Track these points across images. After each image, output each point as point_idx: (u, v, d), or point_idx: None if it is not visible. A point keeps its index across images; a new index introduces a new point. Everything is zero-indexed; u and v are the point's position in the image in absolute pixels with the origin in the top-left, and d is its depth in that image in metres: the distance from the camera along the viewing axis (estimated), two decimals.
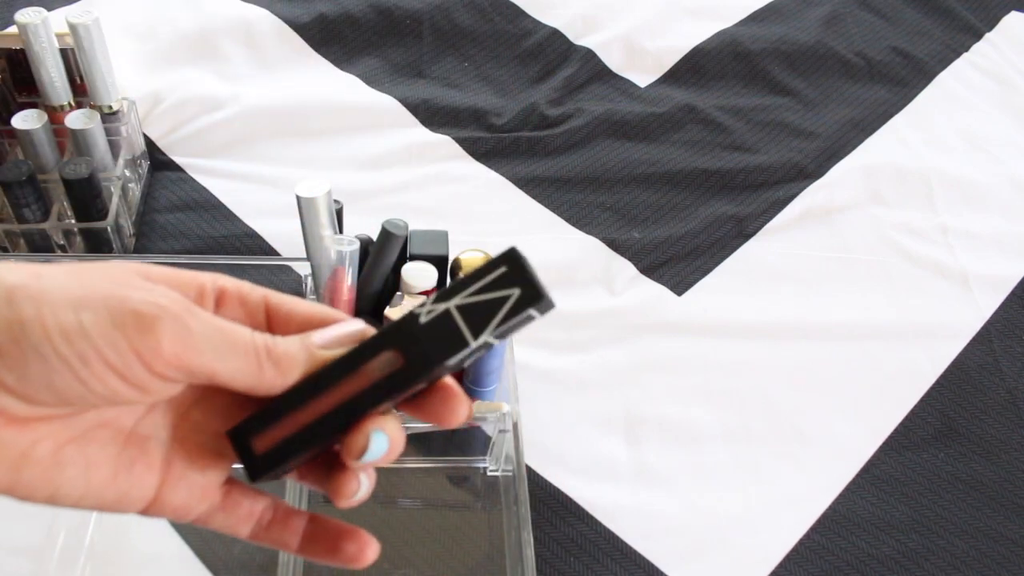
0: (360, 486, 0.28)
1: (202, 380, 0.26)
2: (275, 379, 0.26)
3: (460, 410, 0.27)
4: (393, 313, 0.53)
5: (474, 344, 0.25)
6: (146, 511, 0.28)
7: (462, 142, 0.84)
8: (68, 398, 0.25)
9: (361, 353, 0.26)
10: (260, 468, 0.28)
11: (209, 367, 0.25)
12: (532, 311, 0.25)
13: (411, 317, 0.25)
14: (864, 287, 0.75)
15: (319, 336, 0.27)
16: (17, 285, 0.24)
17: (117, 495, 0.26)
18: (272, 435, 0.27)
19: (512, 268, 0.25)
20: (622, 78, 0.93)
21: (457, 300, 0.25)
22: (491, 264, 0.25)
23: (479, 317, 0.25)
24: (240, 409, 0.29)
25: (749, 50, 0.96)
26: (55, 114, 0.70)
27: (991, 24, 1.05)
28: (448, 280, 0.59)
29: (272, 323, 0.29)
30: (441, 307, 0.25)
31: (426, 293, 0.55)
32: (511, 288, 0.25)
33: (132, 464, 0.27)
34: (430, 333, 0.25)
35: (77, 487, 0.26)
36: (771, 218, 0.80)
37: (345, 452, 0.27)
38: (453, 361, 0.26)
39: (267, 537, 0.30)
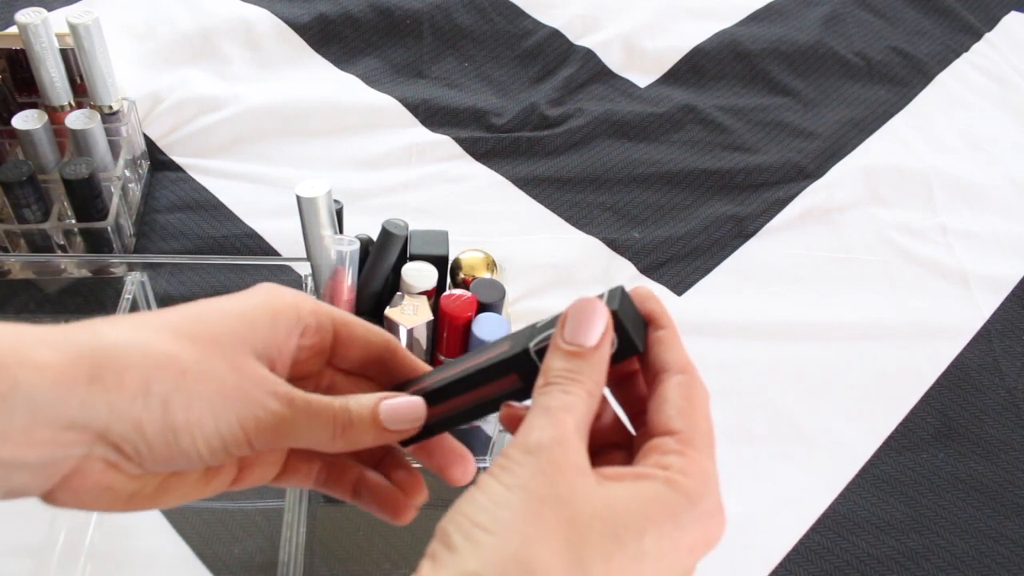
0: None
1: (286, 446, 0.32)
2: (343, 448, 0.31)
3: (470, 470, 0.35)
4: (393, 313, 0.53)
5: None
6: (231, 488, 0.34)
7: (462, 142, 0.84)
8: (190, 468, 0.30)
9: (488, 373, 0.32)
10: (405, 442, 0.34)
11: (296, 442, 0.30)
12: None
13: (525, 352, 0.31)
14: (864, 287, 0.75)
15: (387, 414, 0.32)
16: (171, 390, 0.28)
17: (207, 493, 0.32)
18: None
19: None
20: (622, 78, 0.93)
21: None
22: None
23: None
24: None
25: (749, 50, 0.96)
26: (55, 114, 0.70)
27: (991, 24, 1.05)
28: (448, 280, 0.59)
29: (337, 343, 0.34)
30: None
31: (426, 293, 0.55)
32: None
33: (218, 472, 0.32)
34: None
35: (176, 499, 0.31)
36: (771, 218, 0.80)
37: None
38: None
39: (326, 488, 0.36)
